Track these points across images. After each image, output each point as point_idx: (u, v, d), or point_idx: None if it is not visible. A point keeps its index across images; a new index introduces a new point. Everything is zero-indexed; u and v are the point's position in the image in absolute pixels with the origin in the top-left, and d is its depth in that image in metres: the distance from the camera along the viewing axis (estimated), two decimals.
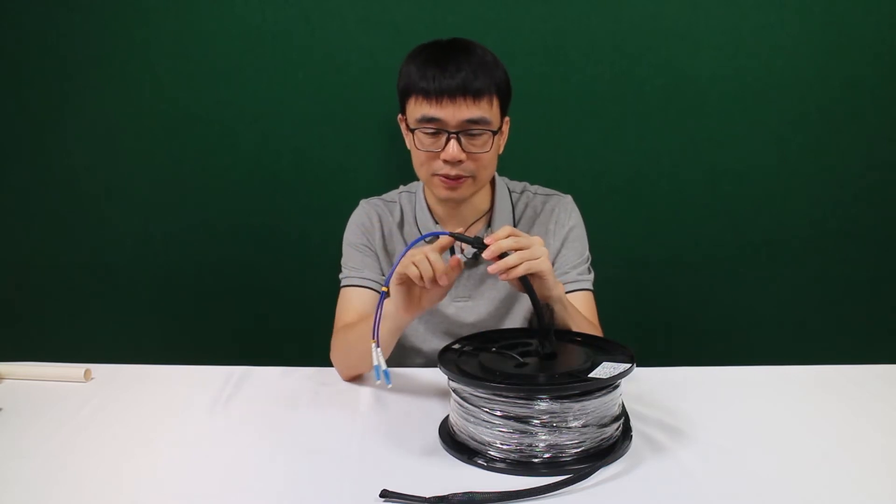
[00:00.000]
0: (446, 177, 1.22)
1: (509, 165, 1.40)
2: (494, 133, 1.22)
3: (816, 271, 1.76)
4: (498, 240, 1.00)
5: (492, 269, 1.00)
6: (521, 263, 1.00)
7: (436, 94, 1.18)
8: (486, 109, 1.20)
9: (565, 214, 1.36)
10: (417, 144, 1.23)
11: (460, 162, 1.21)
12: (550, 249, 1.33)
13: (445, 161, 1.21)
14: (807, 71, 1.67)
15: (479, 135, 1.21)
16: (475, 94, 1.18)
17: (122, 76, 1.68)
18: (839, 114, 1.70)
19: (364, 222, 1.37)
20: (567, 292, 1.29)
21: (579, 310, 1.25)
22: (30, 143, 1.71)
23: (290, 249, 1.74)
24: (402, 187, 1.42)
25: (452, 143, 1.19)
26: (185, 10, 1.64)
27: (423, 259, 1.01)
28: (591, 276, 1.35)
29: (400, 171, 1.50)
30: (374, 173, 1.70)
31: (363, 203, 1.40)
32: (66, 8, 1.64)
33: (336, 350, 1.26)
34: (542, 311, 1.02)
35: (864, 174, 1.72)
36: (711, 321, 1.79)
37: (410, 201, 1.38)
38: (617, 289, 1.49)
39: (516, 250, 1.00)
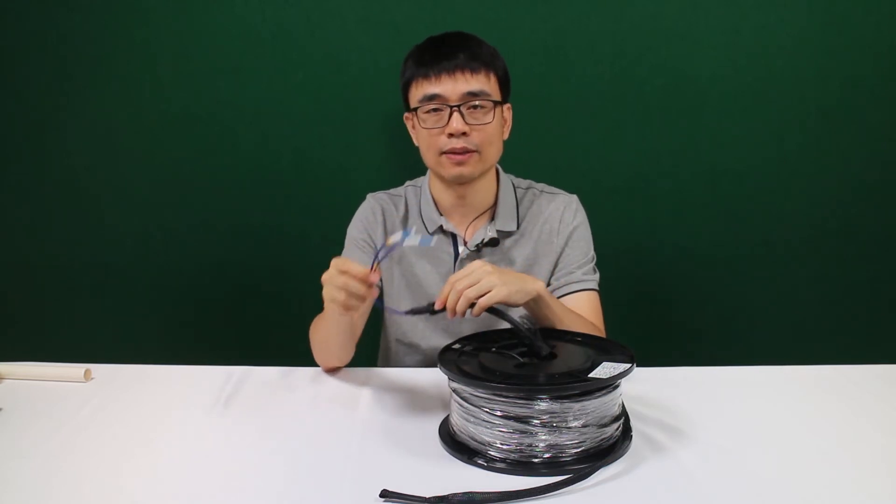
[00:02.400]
0: (453, 152, 1.24)
1: (509, 165, 1.40)
2: (496, 104, 1.25)
3: (816, 271, 1.76)
4: (443, 299, 1.05)
5: (450, 316, 1.05)
6: (474, 306, 1.04)
7: (435, 73, 1.23)
8: (484, 83, 1.24)
9: (570, 214, 1.36)
10: (421, 124, 1.26)
11: (465, 135, 1.23)
12: (554, 248, 1.34)
13: (451, 135, 1.23)
14: (807, 71, 1.67)
15: (481, 107, 1.24)
16: (473, 69, 1.23)
17: (122, 76, 1.68)
18: (839, 114, 1.69)
19: (367, 217, 1.37)
20: (572, 292, 1.30)
21: (584, 310, 1.26)
22: (30, 143, 1.71)
23: (290, 249, 1.74)
24: (408, 182, 1.43)
25: (455, 115, 1.23)
26: (185, 10, 1.64)
27: (342, 286, 1.02)
28: (597, 275, 1.35)
29: (400, 171, 1.50)
30: (374, 173, 1.70)
31: (369, 197, 1.41)
32: (66, 8, 1.64)
33: (311, 341, 1.28)
34: (517, 324, 1.03)
35: (864, 174, 1.72)
36: (711, 321, 1.79)
37: (416, 195, 1.39)
38: (617, 289, 1.49)
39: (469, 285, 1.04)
